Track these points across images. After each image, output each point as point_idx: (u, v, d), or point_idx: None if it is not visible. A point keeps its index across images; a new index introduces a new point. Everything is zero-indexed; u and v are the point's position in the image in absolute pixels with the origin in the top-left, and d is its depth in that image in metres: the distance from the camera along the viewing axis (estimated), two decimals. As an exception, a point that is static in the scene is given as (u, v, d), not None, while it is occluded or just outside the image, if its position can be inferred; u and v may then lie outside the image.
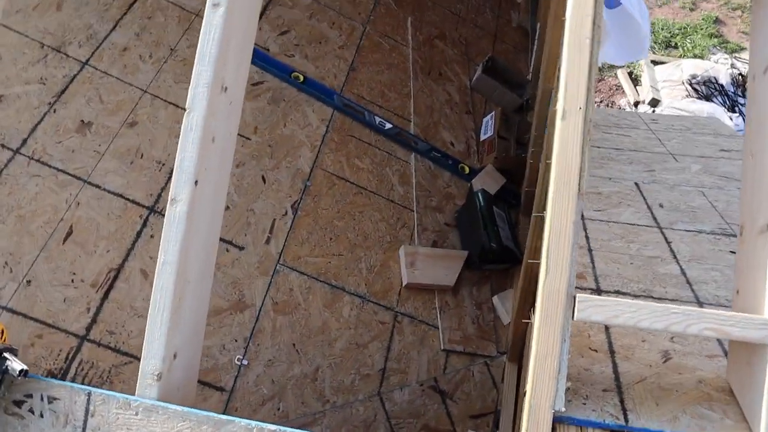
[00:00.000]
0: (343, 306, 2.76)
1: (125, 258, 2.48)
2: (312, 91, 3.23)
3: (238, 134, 2.94)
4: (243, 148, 2.93)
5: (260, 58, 3.17)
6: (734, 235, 2.32)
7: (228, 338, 2.51)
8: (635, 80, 9.04)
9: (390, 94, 3.52)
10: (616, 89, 8.88)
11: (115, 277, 2.43)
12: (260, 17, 3.29)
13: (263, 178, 2.90)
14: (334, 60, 3.46)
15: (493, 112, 3.57)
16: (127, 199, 2.60)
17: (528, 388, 1.36)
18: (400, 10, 4.03)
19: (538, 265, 1.36)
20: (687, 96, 8.60)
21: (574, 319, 1.35)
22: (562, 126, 1.40)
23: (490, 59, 3.77)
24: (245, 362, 2.49)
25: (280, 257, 2.75)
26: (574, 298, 1.35)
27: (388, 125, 3.32)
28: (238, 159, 2.88)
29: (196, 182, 1.40)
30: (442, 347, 2.86)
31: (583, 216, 2.41)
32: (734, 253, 2.20)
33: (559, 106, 1.42)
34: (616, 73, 9.06)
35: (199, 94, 1.42)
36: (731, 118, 8.30)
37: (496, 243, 2.98)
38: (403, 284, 2.91)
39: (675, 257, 2.13)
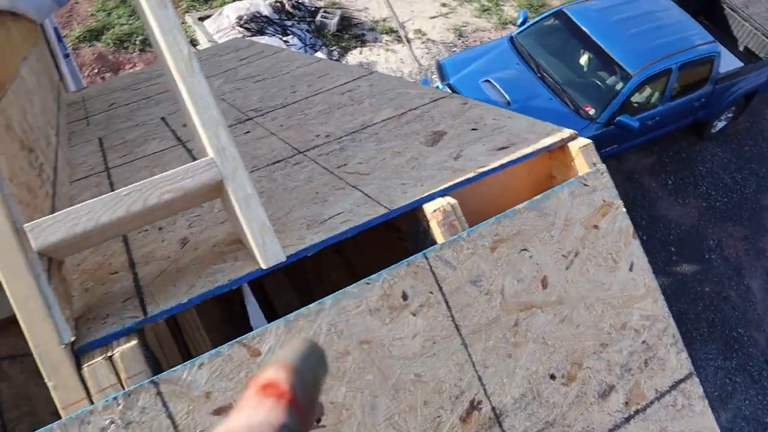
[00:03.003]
0: None
1: None
2: None
3: None
4: None
5: None
6: (248, 120, 2.45)
7: None
8: (193, 42, 9.15)
9: None
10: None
11: None
12: None
13: None
14: None
15: None
16: None
17: (27, 338, 1.26)
18: None
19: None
20: (243, 37, 8.96)
21: (35, 249, 1.27)
22: None
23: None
24: None
25: None
26: (24, 230, 1.27)
27: None
28: None
29: None
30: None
31: (107, 166, 2.32)
32: (248, 133, 2.33)
33: None
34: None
35: None
36: (287, 42, 8.93)
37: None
38: (-16, 329, 2.56)
39: (194, 159, 2.17)
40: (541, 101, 6.83)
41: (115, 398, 1.24)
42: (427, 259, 1.47)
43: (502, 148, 1.76)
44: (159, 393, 1.26)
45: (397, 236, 1.83)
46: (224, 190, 1.38)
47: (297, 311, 1.35)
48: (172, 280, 1.45)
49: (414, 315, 1.46)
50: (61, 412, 1.27)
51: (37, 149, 1.85)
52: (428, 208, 1.54)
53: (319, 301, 1.36)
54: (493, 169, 1.66)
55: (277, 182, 1.82)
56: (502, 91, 6.67)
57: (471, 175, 1.63)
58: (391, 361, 1.43)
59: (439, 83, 7.17)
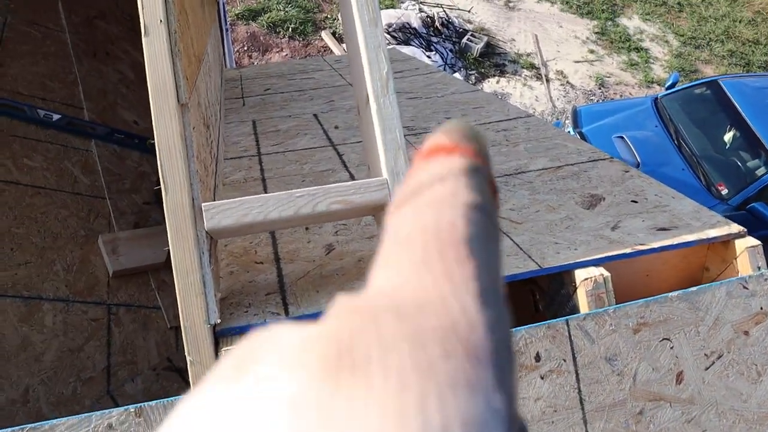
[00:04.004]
0: (44, 315, 2.51)
1: None
2: (-49, 97, 2.85)
3: None
4: None
5: None
6: (400, 136, 2.47)
7: None
8: (339, 39, 9.41)
9: (53, 84, 3.23)
10: (325, 51, 9.19)
11: None
12: None
13: None
14: (-27, 59, 3.08)
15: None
16: None
17: (179, 309, 1.32)
18: (47, -6, 3.71)
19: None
20: (388, 44, 9.11)
21: (206, 228, 1.32)
22: (146, 42, 1.35)
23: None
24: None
25: (-50, 284, 2.41)
26: (201, 209, 1.33)
27: (57, 116, 3.04)
28: None
29: None
30: (169, 326, 2.73)
31: (260, 151, 2.41)
32: (399, 149, 2.35)
33: (141, 23, 1.36)
34: (321, 35, 9.36)
35: None
36: (429, 56, 9.02)
37: (200, 207, 2.89)
38: (110, 274, 2.72)
39: (345, 166, 2.22)
40: (672, 169, 6.56)
41: (244, 387, 1.27)
42: (568, 325, 1.43)
43: (663, 229, 1.69)
44: (285, 393, 1.29)
45: (530, 288, 1.80)
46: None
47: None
48: (315, 285, 1.48)
49: (542, 378, 1.42)
50: (194, 387, 1.31)
51: (212, 126, 1.94)
52: (580, 274, 1.50)
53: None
54: (652, 249, 1.59)
55: (426, 209, 1.82)
56: (634, 151, 6.46)
57: (628, 250, 1.57)
58: (509, 420, 1.40)
59: (571, 129, 7.03)
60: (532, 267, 1.50)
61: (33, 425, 1.19)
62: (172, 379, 2.60)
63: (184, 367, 2.67)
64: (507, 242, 1.61)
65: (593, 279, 1.49)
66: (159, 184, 2.99)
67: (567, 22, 10.15)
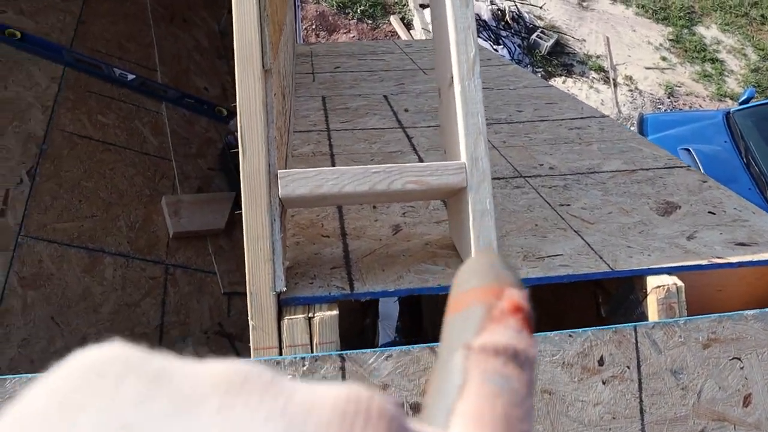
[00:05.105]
0: (105, 268, 2.57)
1: None
2: (35, 49, 2.93)
3: (-53, 102, 2.61)
4: (-45, 117, 2.59)
5: (-36, 18, 2.81)
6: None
7: (-32, 324, 2.24)
8: (408, 25, 9.36)
9: (130, 45, 3.29)
10: (392, 35, 9.16)
11: None
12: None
13: (-14, 147, 2.59)
14: (58, 14, 3.15)
15: (246, 52, 3.46)
16: None
17: (246, 274, 1.32)
18: (131, -41, 3.77)
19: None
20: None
21: (280, 195, 1.32)
22: (236, 3, 1.35)
23: (237, 1, 3.64)
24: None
25: (21, 229, 2.48)
26: (276, 176, 1.33)
27: (131, 77, 3.10)
28: (-49, 129, 2.55)
29: None
30: (222, 291, 2.77)
31: (329, 127, 2.41)
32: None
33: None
34: (389, 20, 9.34)
35: None
36: (496, 50, 8.90)
37: (262, 178, 2.92)
38: (170, 235, 2.77)
39: (414, 149, 2.20)
40: (738, 188, 6.33)
41: (302, 358, 1.27)
42: (635, 332, 1.39)
43: (742, 244, 1.62)
44: (342, 368, 1.28)
45: (592, 290, 1.76)
46: (462, 197, 1.38)
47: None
48: (381, 264, 1.47)
49: (604, 383, 1.39)
50: (252, 352, 1.32)
51: (287, 96, 1.94)
52: (652, 281, 1.45)
53: (518, 336, 1.32)
54: (729, 264, 1.53)
55: (495, 200, 1.79)
56: (700, 165, 6.26)
57: (704, 262, 1.52)
58: (565, 420, 1.37)
59: (637, 137, 6.85)
60: (604, 268, 1.46)
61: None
62: (222, 344, 2.64)
63: (234, 334, 2.71)
64: (578, 241, 1.57)
65: (666, 287, 1.44)
66: (224, 151, 3.01)
67: (641, 26, 9.88)
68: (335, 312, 1.33)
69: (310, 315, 1.32)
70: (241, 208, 3.00)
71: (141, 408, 0.21)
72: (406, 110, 2.63)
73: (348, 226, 1.64)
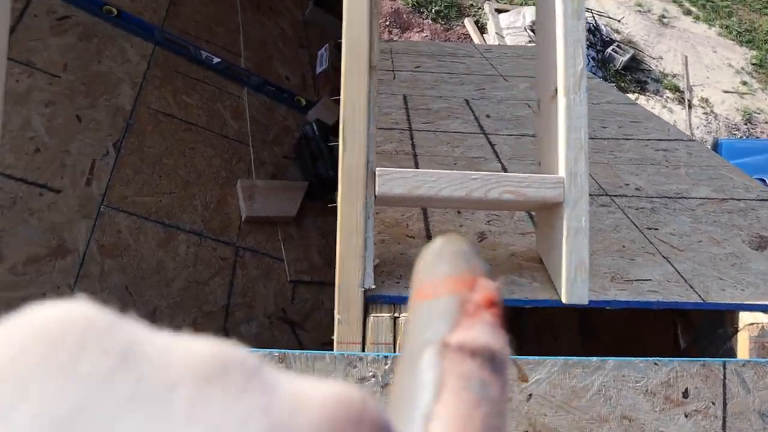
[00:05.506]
0: (179, 244, 2.63)
1: None
2: (129, 26, 3.01)
3: (45, 72, 2.70)
4: (52, 87, 2.68)
5: (66, -8, 2.91)
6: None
7: (49, 286, 2.31)
8: (482, 29, 9.30)
9: (217, 29, 3.36)
10: (465, 38, 9.11)
11: None
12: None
13: (78, 117, 2.68)
14: (153, -7, 3.24)
15: (327, 45, 3.50)
16: None
17: (336, 268, 1.33)
18: (224, -57, 3.85)
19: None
20: (530, 41, 8.94)
21: (377, 193, 1.33)
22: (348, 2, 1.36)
23: (323, -8, 3.69)
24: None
25: (103, 198, 2.56)
26: (374, 173, 1.33)
27: (216, 60, 3.16)
28: (47, 98, 2.64)
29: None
30: (288, 279, 2.80)
31: (411, 127, 2.41)
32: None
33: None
34: (463, 23, 9.29)
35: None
36: (570, 60, 8.75)
37: (334, 172, 2.94)
38: (243, 219, 2.81)
39: (497, 156, 2.18)
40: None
41: (385, 357, 1.27)
42: (724, 368, 1.35)
43: (841, 287, 1.55)
44: (422, 371, 1.28)
45: (671, 319, 1.71)
46: (557, 213, 1.36)
47: (578, 357, 1.30)
48: (465, 270, 1.46)
49: (686, 416, 1.35)
50: (336, 346, 1.33)
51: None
52: (745, 317, 1.40)
53: (603, 358, 1.30)
54: (828, 307, 1.47)
55: (582, 217, 1.76)
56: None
57: (802, 302, 1.46)
58: (642, 450, 1.34)
59: (710, 162, 6.65)
60: (695, 299, 1.42)
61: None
62: (284, 330, 2.68)
63: (297, 321, 2.74)
64: (668, 267, 1.53)
65: (761, 326, 1.39)
66: (300, 141, 3.03)
67: (723, 48, 9.58)
68: (420, 314, 1.33)
69: (396, 315, 1.33)
70: (317, 199, 3.02)
71: (100, 388, 0.18)
72: (488, 116, 2.61)
73: (433, 228, 1.64)
